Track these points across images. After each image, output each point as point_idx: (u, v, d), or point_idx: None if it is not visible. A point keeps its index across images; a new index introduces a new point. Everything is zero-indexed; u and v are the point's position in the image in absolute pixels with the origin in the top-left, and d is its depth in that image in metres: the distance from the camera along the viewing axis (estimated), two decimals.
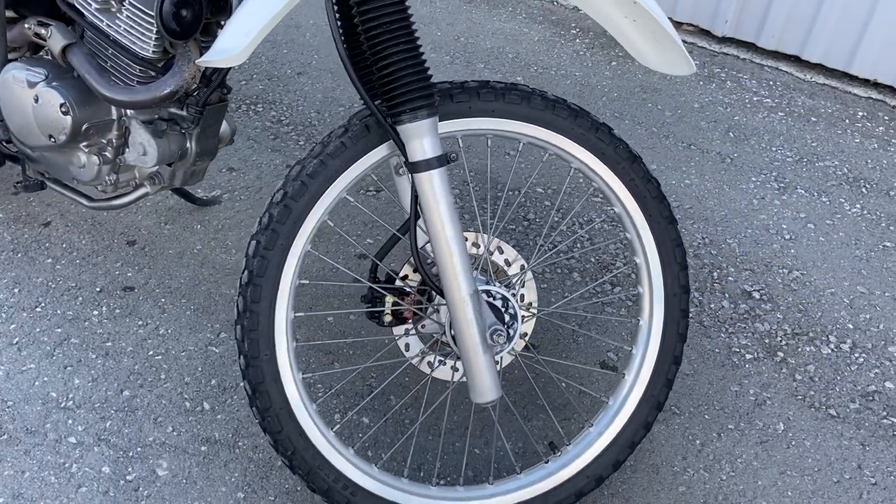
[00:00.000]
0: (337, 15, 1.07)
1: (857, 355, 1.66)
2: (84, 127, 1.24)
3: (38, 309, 1.59)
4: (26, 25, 1.28)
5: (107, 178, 1.32)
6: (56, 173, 1.40)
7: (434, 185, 1.05)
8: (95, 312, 1.59)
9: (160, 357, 1.50)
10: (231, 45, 0.98)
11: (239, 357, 1.13)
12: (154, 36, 1.14)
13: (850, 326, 1.73)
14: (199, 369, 1.48)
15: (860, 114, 2.60)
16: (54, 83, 1.25)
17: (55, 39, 1.22)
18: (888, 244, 2.00)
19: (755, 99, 2.63)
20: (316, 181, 1.09)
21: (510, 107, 1.12)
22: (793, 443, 1.45)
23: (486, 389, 1.11)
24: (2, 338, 1.51)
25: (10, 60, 1.33)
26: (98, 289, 1.65)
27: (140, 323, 1.58)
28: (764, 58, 2.89)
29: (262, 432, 1.15)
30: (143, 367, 1.48)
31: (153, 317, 1.59)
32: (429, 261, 1.17)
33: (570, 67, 2.73)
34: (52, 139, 1.27)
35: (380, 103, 1.06)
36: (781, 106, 2.61)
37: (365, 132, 1.10)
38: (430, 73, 1.05)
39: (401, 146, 1.06)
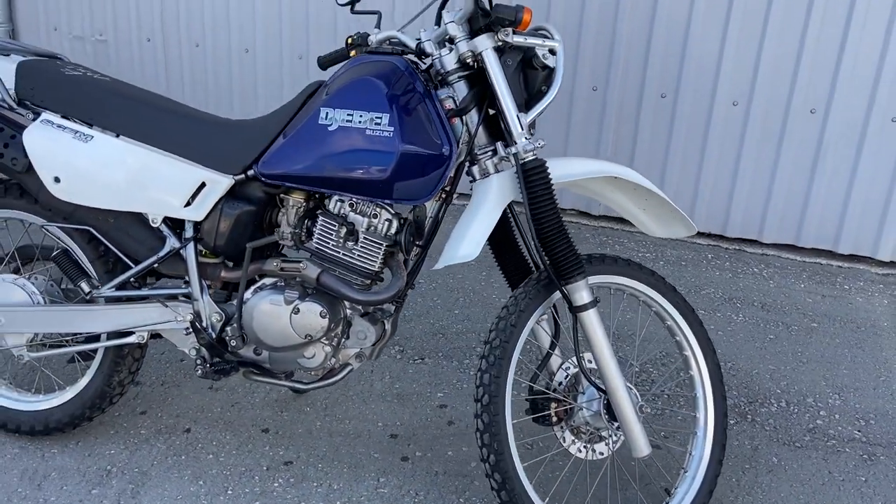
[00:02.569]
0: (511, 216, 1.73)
1: (792, 408, 2.45)
2: (332, 325, 1.75)
3: (230, 492, 1.92)
4: (275, 264, 1.76)
5: (329, 362, 1.80)
6: (278, 367, 1.84)
7: (593, 319, 1.70)
8: (276, 484, 1.96)
9: None
10: (468, 252, 1.58)
11: (492, 476, 1.65)
12: (381, 256, 1.72)
13: (778, 391, 2.54)
14: None
15: (709, 255, 3.64)
16: (308, 299, 1.75)
17: (310, 270, 1.74)
18: (772, 336, 2.91)
19: (638, 255, 3.59)
20: (518, 325, 1.68)
21: (623, 268, 1.81)
22: (785, 465, 2.16)
23: (644, 446, 1.72)
24: None
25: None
26: (265, 467, 2.02)
27: (315, 485, 1.97)
28: (629, 226, 3.92)
29: None
30: None
31: (321, 479, 1.99)
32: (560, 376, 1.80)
33: None
34: (309, 337, 1.75)
35: (547, 272, 1.70)
36: (659, 257, 3.58)
37: (539, 292, 1.73)
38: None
39: (567, 298, 1.70)
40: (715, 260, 3.61)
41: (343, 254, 1.73)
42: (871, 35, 3.34)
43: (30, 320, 1.92)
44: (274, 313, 1.76)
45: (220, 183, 1.76)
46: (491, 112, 1.72)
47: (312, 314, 1.73)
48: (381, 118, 1.62)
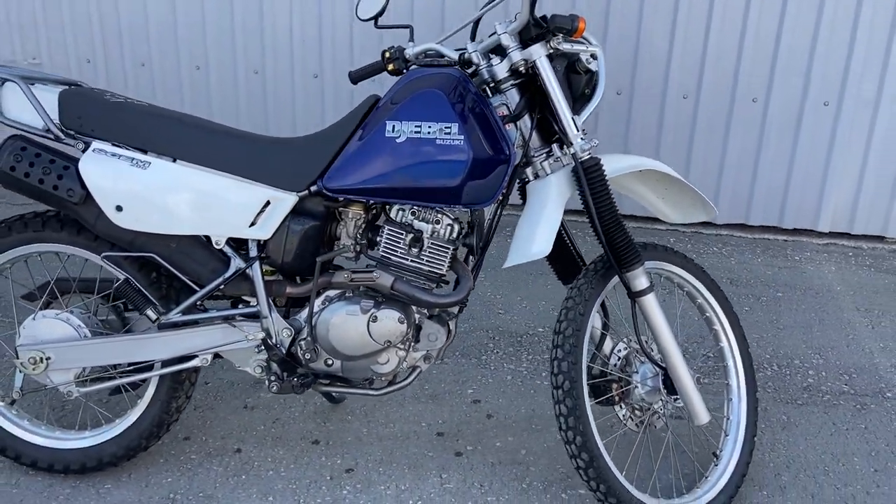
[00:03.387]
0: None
1: (784, 370, 2.70)
2: (408, 329, 1.81)
3: (303, 503, 1.95)
4: (345, 276, 1.80)
5: (401, 365, 1.86)
6: (352, 375, 1.88)
7: (653, 302, 1.85)
8: (345, 492, 2.00)
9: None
10: (540, 249, 1.68)
11: (579, 456, 1.77)
12: (448, 259, 1.79)
13: (767, 356, 2.78)
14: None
15: (672, 239, 3.89)
16: (384, 306, 1.79)
17: (384, 279, 1.80)
18: (747, 308, 3.17)
19: None
20: (584, 313, 1.80)
21: (663, 254, 1.96)
22: (795, 422, 2.38)
23: (704, 414, 1.88)
24: None
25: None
26: (328, 477, 2.05)
27: (382, 488, 2.02)
28: None
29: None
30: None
31: (385, 482, 2.04)
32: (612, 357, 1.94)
33: None
34: (388, 343, 1.80)
35: (609, 261, 1.84)
36: None
37: (599, 281, 1.85)
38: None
39: (626, 284, 1.84)
40: (678, 243, 3.86)
41: (411, 260, 1.80)
42: (802, 27, 3.68)
43: (82, 355, 1.88)
44: (351, 323, 1.81)
45: (285, 201, 1.79)
46: (538, 116, 1.83)
47: (391, 320, 1.79)
48: (450, 127, 1.70)
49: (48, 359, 1.88)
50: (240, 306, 1.91)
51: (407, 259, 1.81)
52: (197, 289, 1.86)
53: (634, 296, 1.86)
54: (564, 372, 1.78)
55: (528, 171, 1.82)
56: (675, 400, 1.92)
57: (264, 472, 2.07)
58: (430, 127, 1.71)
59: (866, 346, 2.89)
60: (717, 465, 2.00)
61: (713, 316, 2.07)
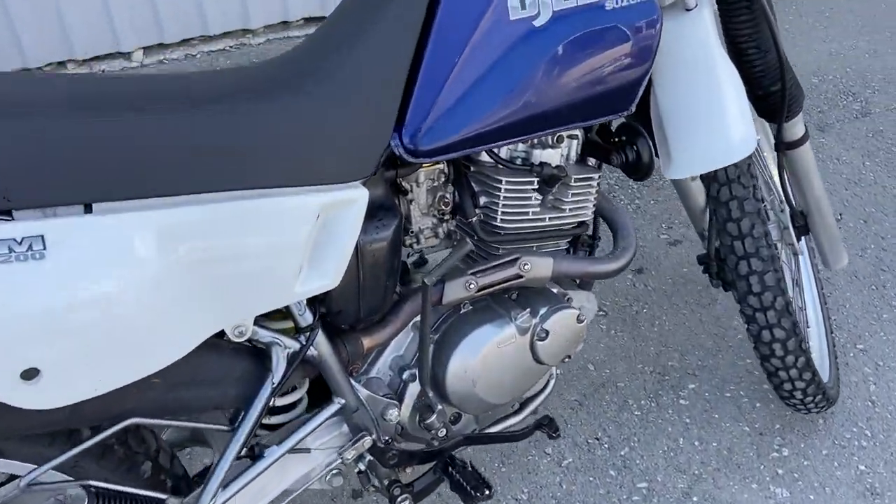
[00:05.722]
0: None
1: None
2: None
3: None
4: (469, 284, 1.10)
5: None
6: (489, 420, 1.33)
7: (809, 151, 1.51)
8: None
9: None
10: (744, 139, 1.16)
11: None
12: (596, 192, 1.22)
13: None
14: None
15: None
16: (547, 311, 1.16)
17: (539, 265, 1.13)
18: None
19: None
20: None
21: None
22: None
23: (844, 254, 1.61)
24: None
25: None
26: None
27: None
28: None
29: None
30: None
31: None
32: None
33: None
34: (568, 359, 1.27)
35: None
36: None
37: None
38: None
39: (782, 134, 1.43)
40: None
41: (549, 218, 1.16)
42: None
43: None
44: (507, 356, 1.16)
45: (354, 200, 0.92)
46: None
47: (568, 328, 1.17)
48: None
49: None
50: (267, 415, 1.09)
51: (544, 217, 1.16)
52: (225, 428, 1.02)
53: (793, 146, 1.48)
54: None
55: None
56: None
57: None
58: None
59: None
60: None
61: None
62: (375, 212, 0.99)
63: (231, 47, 3.32)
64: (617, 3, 1.04)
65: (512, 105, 1.00)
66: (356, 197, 0.92)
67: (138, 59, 3.18)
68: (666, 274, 2.19)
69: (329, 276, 0.94)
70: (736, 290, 1.45)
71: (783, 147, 1.46)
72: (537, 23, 0.99)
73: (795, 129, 1.46)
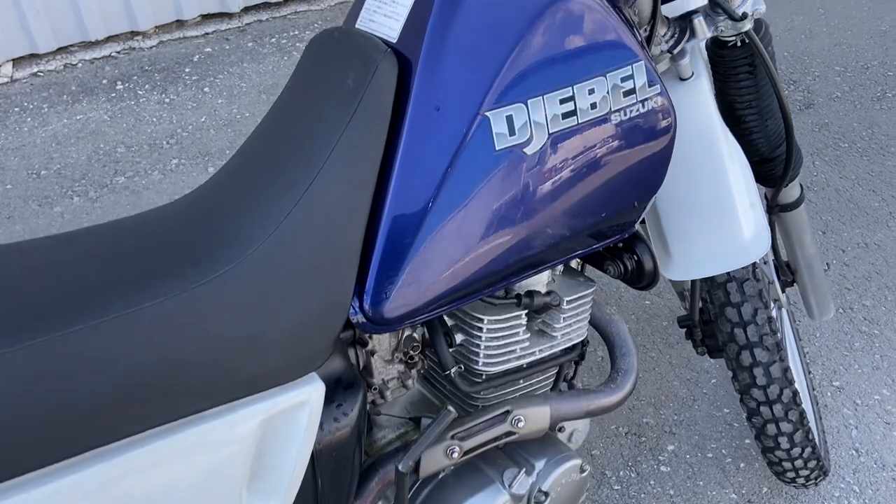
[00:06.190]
0: None
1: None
2: None
3: None
4: (453, 449, 0.91)
5: None
6: None
7: (804, 213, 1.36)
8: None
9: None
10: (760, 235, 1.04)
11: None
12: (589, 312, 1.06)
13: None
14: None
15: None
16: (541, 464, 1.00)
17: (536, 413, 0.96)
18: None
19: None
20: None
21: None
22: None
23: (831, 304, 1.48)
24: None
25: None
26: None
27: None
28: None
29: None
30: None
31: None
32: None
33: None
34: None
35: None
36: None
37: None
38: None
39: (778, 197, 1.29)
40: None
41: (540, 350, 0.99)
42: None
43: None
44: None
45: (304, 401, 0.74)
46: None
47: (570, 484, 1.01)
48: (629, 68, 0.83)
49: None
50: None
51: (534, 350, 0.98)
52: None
53: (788, 209, 1.33)
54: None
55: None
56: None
57: None
58: (592, 88, 0.81)
59: None
60: None
61: None
62: (332, 394, 0.79)
63: (118, 53, 2.91)
64: (626, 113, 0.85)
65: (500, 250, 0.82)
66: (308, 396, 0.73)
67: (7, 74, 2.73)
68: (628, 309, 2.03)
69: (279, 496, 0.75)
70: (727, 358, 1.29)
71: (777, 210, 1.31)
72: (529, 150, 0.80)
73: (792, 191, 1.31)
